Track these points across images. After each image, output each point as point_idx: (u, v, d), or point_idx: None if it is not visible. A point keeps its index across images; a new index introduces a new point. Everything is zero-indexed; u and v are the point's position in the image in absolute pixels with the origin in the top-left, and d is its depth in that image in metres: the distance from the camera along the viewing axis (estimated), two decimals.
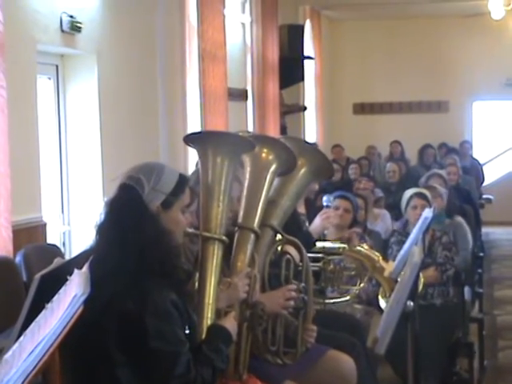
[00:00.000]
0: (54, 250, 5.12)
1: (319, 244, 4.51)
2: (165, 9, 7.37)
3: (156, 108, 7.28)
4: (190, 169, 7.01)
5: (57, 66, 6.19)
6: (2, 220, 4.76)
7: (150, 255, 2.63)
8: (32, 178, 5.43)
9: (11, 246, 4.81)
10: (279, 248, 3.41)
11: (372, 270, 4.51)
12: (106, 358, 2.60)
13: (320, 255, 4.39)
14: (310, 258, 3.52)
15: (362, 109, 14.65)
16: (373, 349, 3.22)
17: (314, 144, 10.58)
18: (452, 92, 14.15)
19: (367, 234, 6.04)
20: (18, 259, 4.77)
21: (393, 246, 5.64)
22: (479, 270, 6.92)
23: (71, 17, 5.76)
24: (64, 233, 6.26)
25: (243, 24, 9.95)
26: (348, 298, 4.62)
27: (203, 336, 2.82)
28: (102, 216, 2.72)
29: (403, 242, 4.86)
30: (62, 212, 6.26)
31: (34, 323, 1.91)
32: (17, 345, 1.82)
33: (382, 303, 4.51)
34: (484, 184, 12.75)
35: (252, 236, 3.19)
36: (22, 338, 1.86)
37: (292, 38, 10.94)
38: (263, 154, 3.29)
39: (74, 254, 5.48)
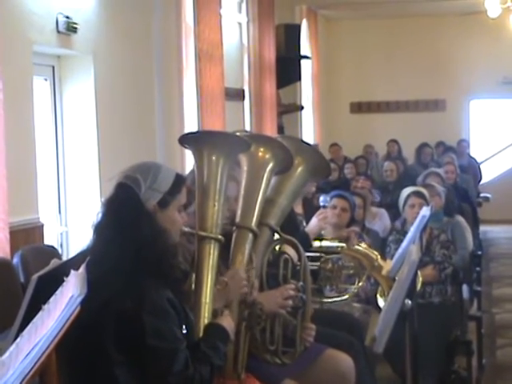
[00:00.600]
0: (52, 251, 5.10)
1: (317, 243, 4.51)
2: (161, 9, 7.36)
3: (153, 108, 7.27)
4: (187, 168, 7.00)
5: (53, 67, 6.18)
6: None
7: (147, 254, 2.64)
8: (29, 179, 5.42)
9: (8, 247, 4.81)
10: (277, 247, 3.41)
11: (370, 268, 4.52)
12: (103, 357, 2.60)
13: (318, 254, 4.40)
14: (308, 257, 3.52)
15: (359, 108, 14.64)
16: (371, 347, 3.22)
17: (314, 145, 10.60)
18: (449, 90, 14.13)
19: (365, 232, 6.04)
20: (15, 260, 4.76)
21: (391, 244, 5.64)
22: (477, 269, 6.91)
23: (67, 17, 5.74)
24: (61, 234, 6.25)
25: (240, 24, 9.95)
26: (346, 296, 4.61)
27: (200, 335, 2.81)
28: (99, 215, 2.73)
29: (401, 241, 4.86)
30: (59, 213, 6.25)
31: (30, 324, 1.90)
32: (14, 346, 1.81)
33: (381, 302, 4.52)
34: (481, 182, 12.76)
35: (250, 235, 3.19)
36: (18, 339, 1.85)
37: (289, 38, 10.94)
38: (260, 153, 3.29)
39: (72, 254, 5.46)
